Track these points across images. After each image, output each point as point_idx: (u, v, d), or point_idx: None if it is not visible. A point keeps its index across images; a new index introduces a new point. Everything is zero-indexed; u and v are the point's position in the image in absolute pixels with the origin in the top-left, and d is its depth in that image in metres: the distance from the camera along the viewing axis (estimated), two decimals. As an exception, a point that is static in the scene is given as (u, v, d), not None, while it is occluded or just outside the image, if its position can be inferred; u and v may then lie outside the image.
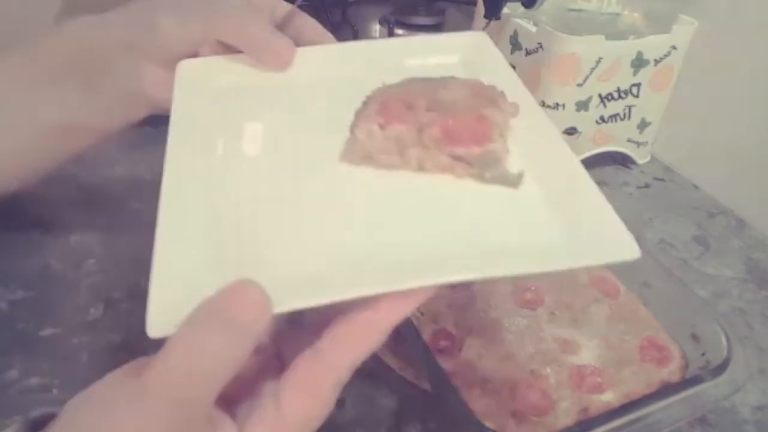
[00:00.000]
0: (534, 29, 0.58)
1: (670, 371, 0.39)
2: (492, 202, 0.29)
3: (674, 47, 0.59)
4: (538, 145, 0.31)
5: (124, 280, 0.46)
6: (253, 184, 0.30)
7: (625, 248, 0.24)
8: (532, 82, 0.58)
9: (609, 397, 0.37)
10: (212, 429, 0.23)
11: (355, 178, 0.30)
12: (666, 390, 0.36)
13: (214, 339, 0.21)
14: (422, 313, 0.41)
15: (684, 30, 0.59)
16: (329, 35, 0.41)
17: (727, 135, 0.63)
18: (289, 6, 0.41)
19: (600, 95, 0.59)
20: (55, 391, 0.38)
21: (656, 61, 0.59)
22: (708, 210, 0.62)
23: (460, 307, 0.42)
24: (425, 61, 0.38)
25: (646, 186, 0.65)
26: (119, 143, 0.46)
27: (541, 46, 0.57)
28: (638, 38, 0.58)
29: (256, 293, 0.22)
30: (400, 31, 0.86)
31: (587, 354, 0.39)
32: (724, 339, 0.37)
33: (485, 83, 0.32)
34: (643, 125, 0.64)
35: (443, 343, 0.39)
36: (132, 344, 0.41)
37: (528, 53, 0.59)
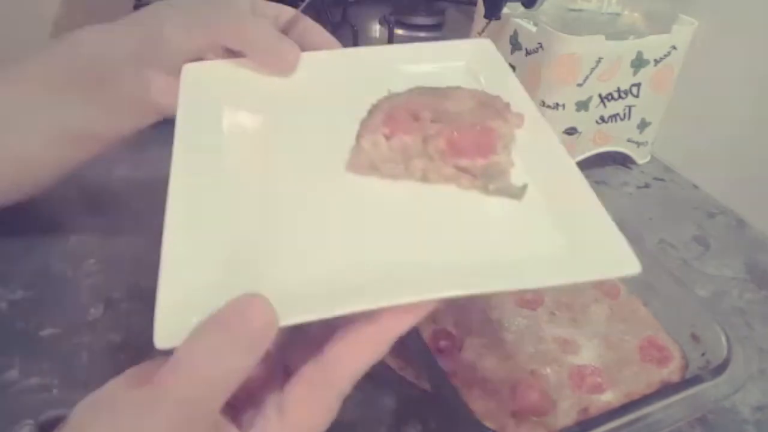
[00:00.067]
0: (534, 29, 0.58)
1: (670, 371, 0.39)
2: (495, 214, 0.29)
3: (674, 47, 0.59)
4: (540, 157, 0.31)
5: (124, 280, 0.46)
6: (259, 194, 0.30)
7: (626, 264, 0.25)
8: (532, 82, 0.58)
9: (609, 397, 0.37)
10: None
11: (360, 189, 0.30)
12: (666, 390, 0.36)
13: (221, 352, 0.22)
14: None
15: (684, 30, 0.59)
16: (334, 40, 0.41)
17: (727, 135, 0.63)
18: (293, 11, 0.41)
19: (600, 95, 0.59)
20: (55, 391, 0.38)
21: (656, 61, 0.59)
22: (708, 210, 0.62)
23: (460, 307, 0.42)
24: (430, 67, 0.38)
25: (646, 186, 0.65)
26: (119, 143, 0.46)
27: (541, 46, 0.57)
28: (638, 38, 0.58)
29: (263, 307, 0.22)
30: (400, 31, 0.86)
31: (587, 354, 0.39)
32: (724, 339, 0.37)
33: (490, 93, 0.33)
34: (643, 125, 0.64)
35: (443, 343, 0.39)
36: (132, 344, 0.41)
37: (528, 53, 0.59)
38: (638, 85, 0.60)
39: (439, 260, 0.26)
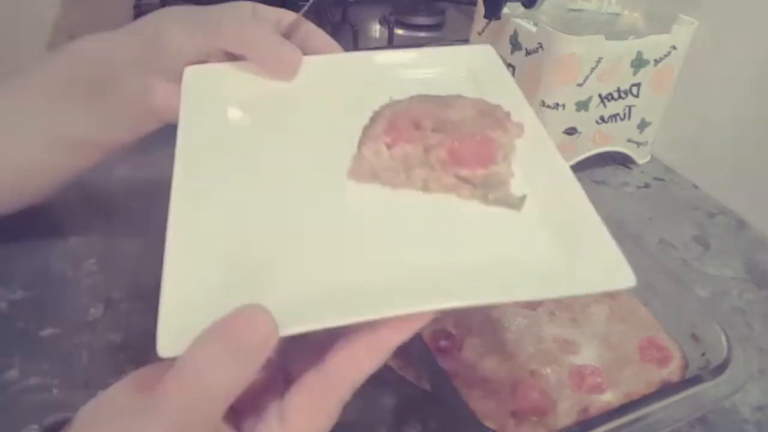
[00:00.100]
0: (534, 29, 0.58)
1: (670, 371, 0.39)
2: (494, 224, 0.29)
3: (674, 47, 0.59)
4: (539, 167, 0.31)
5: (124, 280, 0.46)
6: (259, 200, 0.30)
7: (622, 277, 0.25)
8: (532, 82, 0.58)
9: (609, 397, 0.37)
10: None
11: (361, 197, 0.30)
12: (666, 390, 0.36)
13: (223, 361, 0.22)
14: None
15: (684, 30, 0.59)
16: (336, 44, 0.41)
17: (727, 135, 0.63)
18: (295, 15, 0.41)
19: (600, 95, 0.59)
20: (55, 391, 0.38)
21: (656, 61, 0.59)
22: (708, 210, 0.62)
23: (460, 307, 0.42)
24: (431, 73, 0.38)
25: (646, 186, 0.65)
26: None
27: (541, 46, 0.57)
28: (638, 38, 0.58)
29: (264, 317, 0.23)
30: (400, 31, 0.86)
31: (587, 354, 0.39)
32: (724, 339, 0.37)
33: (491, 101, 0.33)
34: (643, 125, 0.64)
35: (443, 343, 0.39)
36: (132, 344, 0.41)
37: (528, 53, 0.59)
38: (638, 85, 0.60)
39: (438, 270, 0.26)
